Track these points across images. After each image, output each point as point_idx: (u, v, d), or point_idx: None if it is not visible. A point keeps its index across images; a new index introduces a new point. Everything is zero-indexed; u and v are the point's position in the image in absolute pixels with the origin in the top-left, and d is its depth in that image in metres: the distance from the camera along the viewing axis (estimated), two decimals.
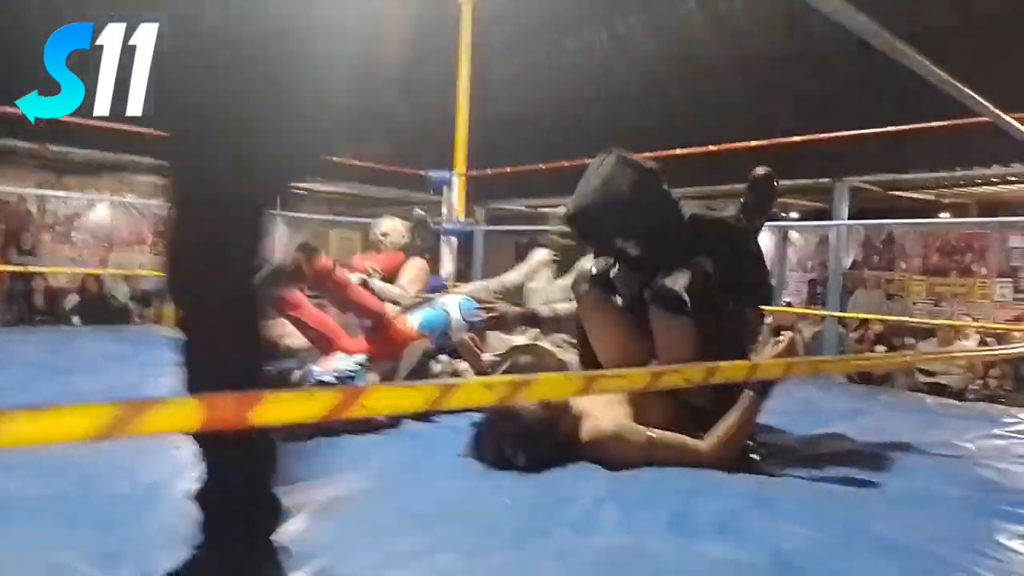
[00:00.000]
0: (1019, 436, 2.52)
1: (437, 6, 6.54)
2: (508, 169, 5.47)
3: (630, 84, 7.64)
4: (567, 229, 3.19)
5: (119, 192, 10.74)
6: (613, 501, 1.63)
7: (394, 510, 1.55)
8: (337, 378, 2.42)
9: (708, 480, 1.84)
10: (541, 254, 3.45)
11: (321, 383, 2.39)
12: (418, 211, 4.52)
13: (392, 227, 4.33)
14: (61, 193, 10.24)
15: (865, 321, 7.07)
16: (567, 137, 7.90)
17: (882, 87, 5.92)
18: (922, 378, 5.91)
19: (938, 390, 5.71)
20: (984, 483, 1.94)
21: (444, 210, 5.96)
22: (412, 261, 4.17)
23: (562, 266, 3.30)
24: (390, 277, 4.07)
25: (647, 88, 7.51)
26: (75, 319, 8.21)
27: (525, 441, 1.92)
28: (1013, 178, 6.61)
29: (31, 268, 7.98)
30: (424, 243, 4.38)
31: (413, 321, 3.02)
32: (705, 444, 2.00)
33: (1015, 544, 1.49)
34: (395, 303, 3.98)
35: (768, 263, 9.39)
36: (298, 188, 10.66)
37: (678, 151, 4.42)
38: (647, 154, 4.61)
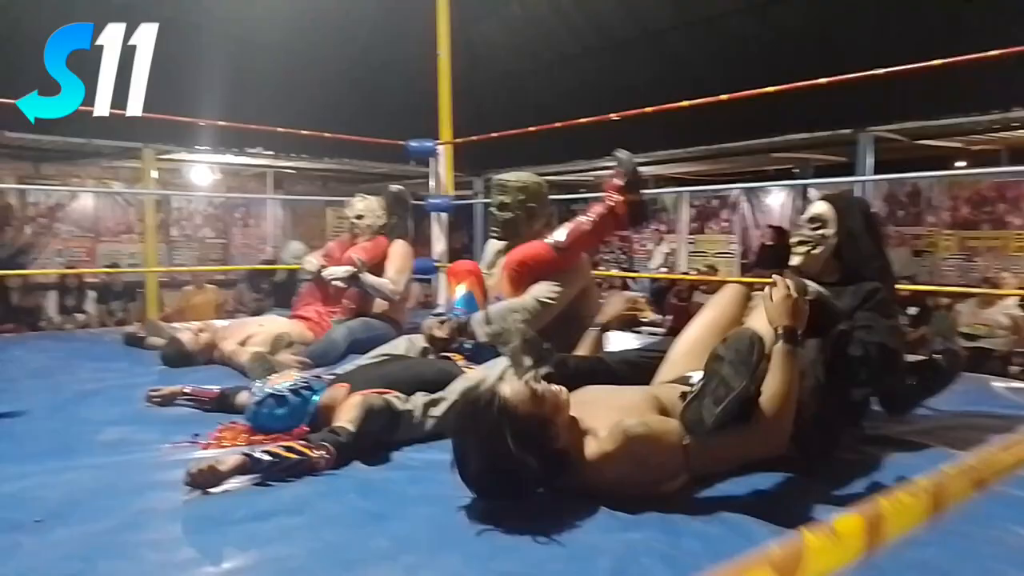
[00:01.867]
0: None
1: None
2: (495, 134, 4.94)
3: (628, 33, 7.03)
4: (506, 199, 2.77)
5: (102, 180, 10.29)
6: None
7: None
8: (292, 391, 2.11)
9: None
10: (493, 244, 3.01)
11: (275, 397, 2.08)
12: (392, 186, 4.07)
13: (366, 207, 3.94)
14: (45, 185, 9.81)
15: None
16: (561, 96, 7.34)
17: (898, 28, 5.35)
18: (964, 343, 5.39)
19: (982, 355, 5.20)
20: None
21: (431, 183, 5.50)
22: (395, 246, 3.79)
23: (506, 239, 2.87)
24: (378, 265, 3.69)
25: (646, 37, 6.91)
26: (54, 317, 7.85)
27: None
28: None
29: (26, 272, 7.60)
30: (403, 220, 3.94)
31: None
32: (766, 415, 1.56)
33: None
34: (387, 299, 3.62)
35: (787, 222, 8.75)
36: (287, 166, 10.29)
37: (684, 103, 3.86)
38: (648, 108, 4.14)
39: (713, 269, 9.68)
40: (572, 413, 1.64)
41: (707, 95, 3.75)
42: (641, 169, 2.74)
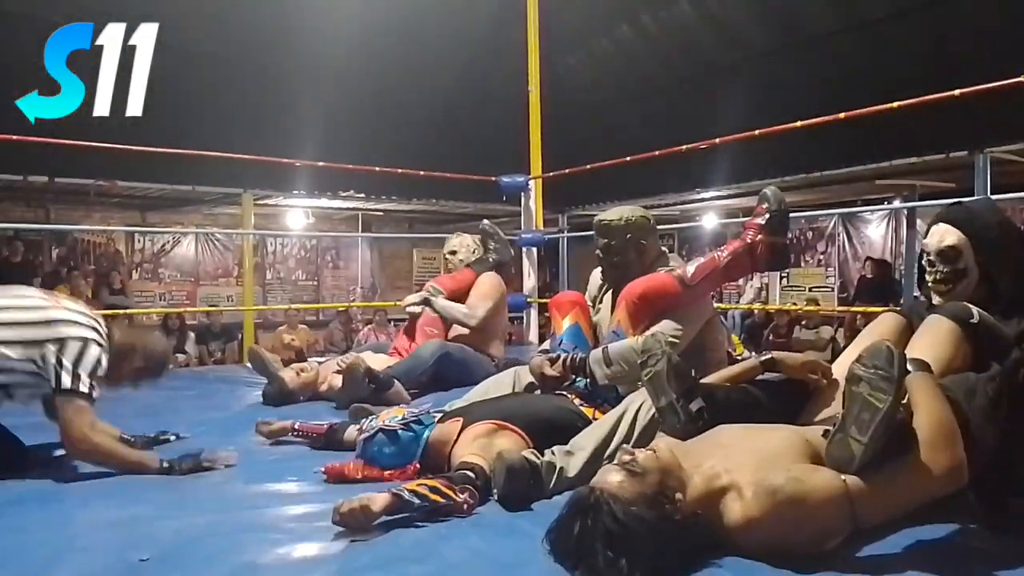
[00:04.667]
0: None
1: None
2: (588, 166, 4.85)
3: (723, 59, 6.85)
4: (611, 241, 2.60)
5: (203, 226, 10.77)
6: None
7: None
8: (403, 426, 2.03)
9: None
10: (597, 276, 2.83)
11: (386, 432, 2.02)
12: (484, 222, 4.04)
13: (460, 243, 3.96)
14: (151, 229, 10.32)
15: None
16: (650, 129, 7.22)
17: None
18: None
19: None
20: None
21: (522, 218, 5.45)
22: (482, 277, 3.74)
23: (614, 283, 2.66)
24: (461, 296, 3.66)
25: (740, 62, 6.72)
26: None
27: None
28: None
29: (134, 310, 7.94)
30: (498, 255, 3.90)
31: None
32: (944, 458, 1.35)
33: None
34: (461, 324, 3.56)
35: (889, 255, 8.15)
36: (375, 209, 10.50)
37: (789, 125, 3.67)
38: (756, 131, 3.97)
39: (815, 303, 9.23)
40: (710, 459, 1.46)
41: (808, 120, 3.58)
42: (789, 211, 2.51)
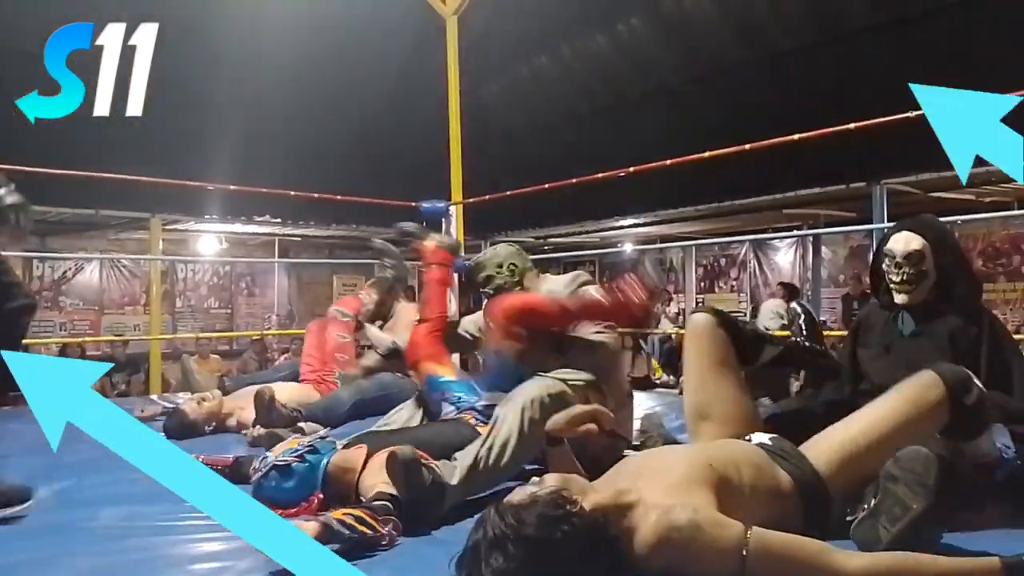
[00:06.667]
0: None
1: (421, 22, 6.09)
2: (508, 193, 4.88)
3: (636, 89, 7.08)
4: (488, 274, 2.64)
5: (108, 252, 10.28)
6: None
7: None
8: (297, 458, 1.95)
9: None
10: (472, 318, 2.95)
11: (279, 467, 1.93)
12: (375, 240, 4.04)
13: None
14: (52, 255, 9.76)
15: None
16: (572, 155, 7.35)
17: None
18: None
19: None
20: None
21: None
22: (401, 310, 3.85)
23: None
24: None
25: (654, 94, 6.95)
26: None
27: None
28: None
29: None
30: (395, 271, 3.87)
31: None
32: (857, 562, 1.33)
33: None
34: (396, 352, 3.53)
35: (798, 280, 8.53)
36: (293, 234, 10.27)
37: (694, 156, 3.79)
38: (668, 161, 4.07)
39: None
40: (621, 484, 1.45)
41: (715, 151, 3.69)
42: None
